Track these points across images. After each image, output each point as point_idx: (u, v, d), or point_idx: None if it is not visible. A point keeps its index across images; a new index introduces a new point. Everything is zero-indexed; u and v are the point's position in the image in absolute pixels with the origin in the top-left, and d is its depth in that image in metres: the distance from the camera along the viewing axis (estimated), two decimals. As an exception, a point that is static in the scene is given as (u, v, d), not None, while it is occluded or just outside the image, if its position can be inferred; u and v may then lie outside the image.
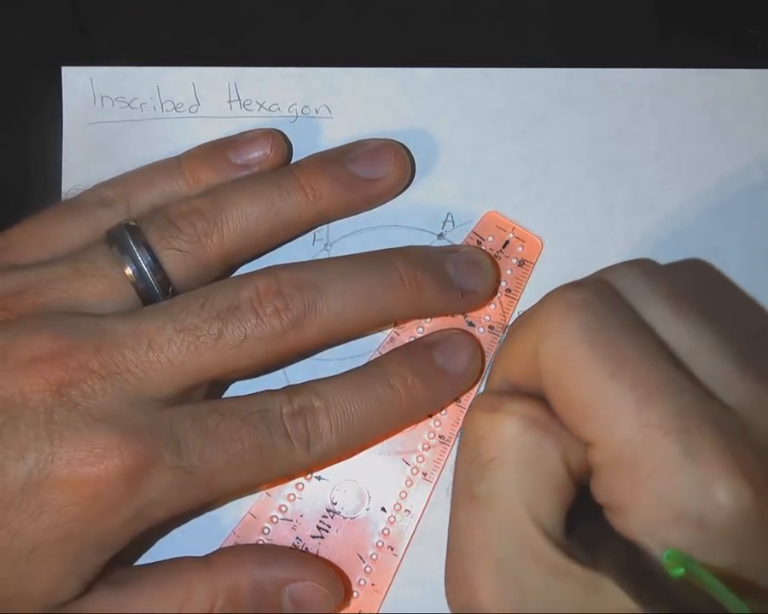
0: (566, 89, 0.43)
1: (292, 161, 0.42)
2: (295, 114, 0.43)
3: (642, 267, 0.32)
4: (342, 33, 0.44)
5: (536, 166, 0.43)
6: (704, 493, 0.27)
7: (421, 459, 0.41)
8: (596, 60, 0.43)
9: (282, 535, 0.41)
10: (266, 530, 0.41)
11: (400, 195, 0.42)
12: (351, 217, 0.42)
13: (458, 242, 0.42)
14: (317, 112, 0.43)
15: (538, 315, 0.31)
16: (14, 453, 0.33)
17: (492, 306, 0.42)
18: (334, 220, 0.41)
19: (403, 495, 0.41)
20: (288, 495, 0.41)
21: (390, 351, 0.40)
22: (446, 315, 0.41)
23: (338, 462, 0.41)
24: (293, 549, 0.40)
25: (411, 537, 0.41)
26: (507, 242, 0.42)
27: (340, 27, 0.44)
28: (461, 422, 0.41)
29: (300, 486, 0.41)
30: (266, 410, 0.36)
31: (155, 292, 0.37)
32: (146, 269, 0.36)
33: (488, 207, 0.42)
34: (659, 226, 0.42)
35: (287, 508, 0.41)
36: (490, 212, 0.42)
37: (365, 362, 0.40)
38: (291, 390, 0.37)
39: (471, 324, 0.42)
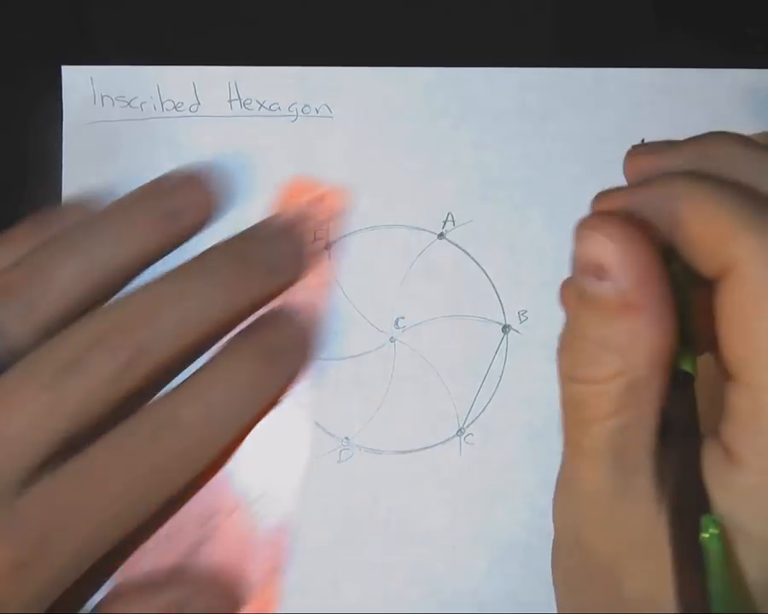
0: (566, 88, 0.43)
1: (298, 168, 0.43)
2: (296, 113, 0.43)
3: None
4: (343, 32, 0.44)
5: (536, 166, 0.43)
6: None
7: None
8: (594, 57, 0.43)
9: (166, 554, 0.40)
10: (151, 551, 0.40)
11: (401, 194, 0.42)
12: (351, 215, 0.42)
13: (459, 242, 0.42)
14: (317, 112, 0.43)
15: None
16: None
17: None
18: (161, 256, 0.41)
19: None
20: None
21: (230, 340, 0.37)
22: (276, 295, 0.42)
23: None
24: (184, 570, 0.40)
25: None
26: (315, 199, 0.42)
27: (340, 26, 0.44)
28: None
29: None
30: (127, 444, 0.34)
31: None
32: None
33: (488, 207, 0.42)
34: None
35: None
36: (292, 178, 0.42)
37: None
38: (147, 411, 0.36)
39: None
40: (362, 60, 0.43)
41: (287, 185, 0.42)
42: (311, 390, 0.42)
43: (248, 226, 0.40)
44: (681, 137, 0.41)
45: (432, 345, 0.42)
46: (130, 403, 0.36)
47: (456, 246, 0.42)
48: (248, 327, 0.39)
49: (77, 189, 0.42)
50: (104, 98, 0.42)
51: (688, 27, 0.45)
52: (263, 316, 0.40)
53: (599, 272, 0.29)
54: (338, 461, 0.41)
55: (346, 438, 0.41)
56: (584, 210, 0.41)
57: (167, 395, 0.36)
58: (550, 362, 0.41)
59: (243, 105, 0.43)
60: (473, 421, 0.41)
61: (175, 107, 0.42)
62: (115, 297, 0.36)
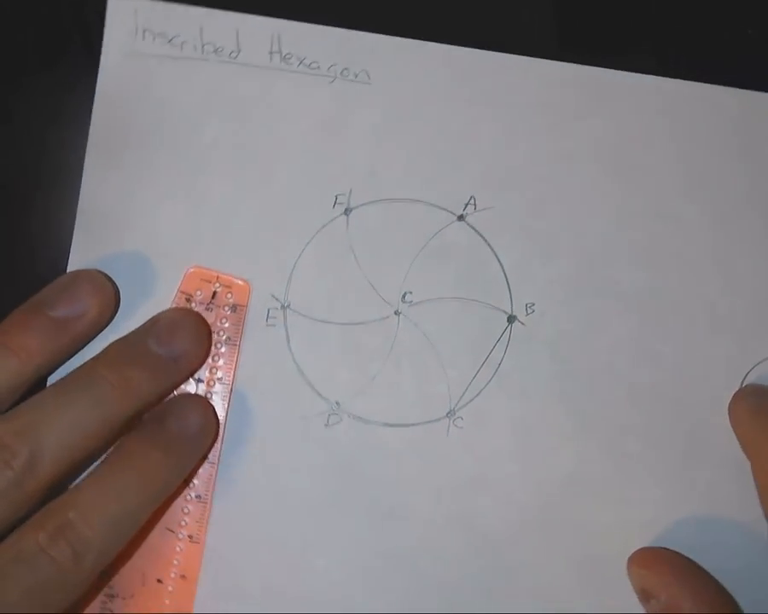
0: (603, 89, 0.42)
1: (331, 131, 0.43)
2: (334, 75, 0.43)
3: None
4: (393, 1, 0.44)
5: (561, 163, 0.42)
6: None
7: (184, 523, 0.42)
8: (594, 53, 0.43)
9: None
10: None
11: (427, 171, 0.42)
12: (374, 185, 0.42)
13: (477, 226, 0.42)
14: (355, 77, 0.43)
15: None
16: None
17: (219, 359, 0.42)
18: (56, 366, 0.42)
19: (176, 562, 0.42)
20: None
21: (129, 433, 0.40)
22: (176, 387, 0.42)
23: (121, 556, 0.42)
24: None
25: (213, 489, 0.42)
26: (215, 293, 0.42)
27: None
28: (213, 478, 0.42)
29: None
30: (20, 552, 0.36)
31: None
32: None
33: (510, 196, 0.42)
34: (672, 236, 0.42)
35: None
36: (192, 269, 0.42)
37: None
38: (42, 515, 0.37)
39: (200, 380, 0.42)
40: (407, 32, 0.43)
41: (188, 275, 0.42)
42: (308, 351, 0.42)
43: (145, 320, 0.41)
44: (709, 152, 0.41)
45: (435, 324, 0.42)
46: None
47: (474, 229, 0.42)
48: (148, 415, 0.41)
49: (105, 123, 0.42)
50: (145, 32, 0.42)
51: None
52: (163, 405, 0.41)
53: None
54: (325, 425, 0.42)
55: (337, 403, 0.42)
56: (602, 213, 0.41)
57: (62, 498, 0.37)
58: (551, 358, 0.41)
59: (283, 59, 0.43)
60: (464, 405, 0.41)
61: (215, 51, 0.42)
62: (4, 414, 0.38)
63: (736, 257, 0.42)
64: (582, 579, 0.41)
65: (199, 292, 0.42)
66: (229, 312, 0.42)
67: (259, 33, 0.43)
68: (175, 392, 0.42)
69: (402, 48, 0.43)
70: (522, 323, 0.42)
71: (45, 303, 0.40)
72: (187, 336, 0.41)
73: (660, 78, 0.43)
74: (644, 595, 0.39)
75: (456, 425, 0.41)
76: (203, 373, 0.42)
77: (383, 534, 0.41)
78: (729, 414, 0.41)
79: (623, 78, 0.43)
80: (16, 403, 0.39)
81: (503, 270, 0.42)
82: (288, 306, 0.42)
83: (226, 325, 0.42)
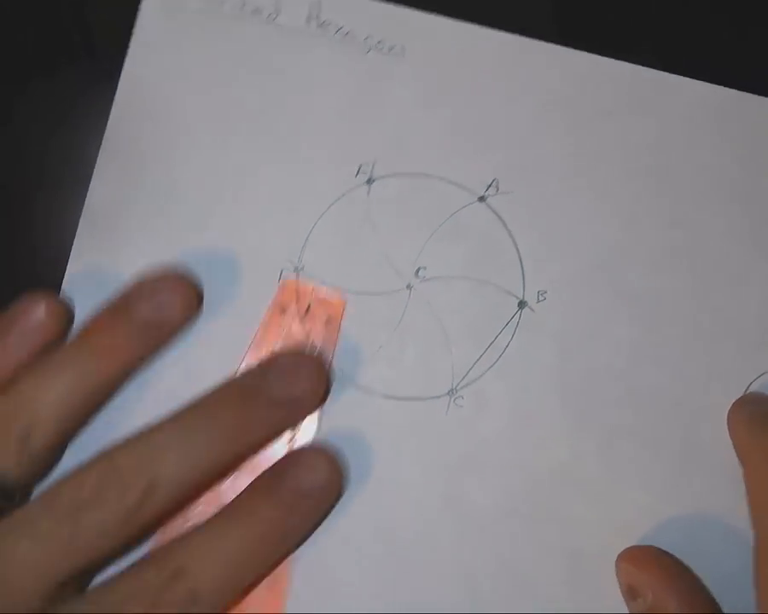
0: (639, 88, 0.43)
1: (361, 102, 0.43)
2: (369, 46, 0.43)
3: None
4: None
5: (587, 159, 0.43)
6: None
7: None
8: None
9: None
10: None
11: (453, 149, 0.42)
12: (399, 158, 0.42)
13: (498, 209, 0.42)
14: (390, 50, 0.43)
15: None
16: None
17: None
18: (143, 367, 0.41)
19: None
20: None
21: (248, 487, 0.39)
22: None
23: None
24: None
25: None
26: (309, 307, 0.42)
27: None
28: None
29: None
30: (139, 590, 0.36)
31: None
32: None
33: (534, 183, 0.42)
34: (687, 244, 0.42)
35: None
36: (285, 281, 0.42)
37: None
38: (159, 558, 0.37)
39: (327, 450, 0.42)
40: (446, 11, 0.43)
41: (282, 286, 0.43)
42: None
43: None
44: (733, 164, 0.41)
45: (446, 302, 0.42)
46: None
47: (494, 212, 0.42)
48: (270, 469, 0.40)
49: (138, 74, 0.42)
50: (186, -14, 0.43)
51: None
52: (287, 458, 0.40)
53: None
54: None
55: (341, 370, 0.42)
56: (620, 213, 0.41)
57: (180, 541, 0.37)
58: (556, 348, 0.41)
59: (320, 25, 0.43)
60: (466, 386, 0.41)
61: (254, 11, 0.43)
62: (125, 436, 0.38)
63: (749, 269, 0.42)
64: (567, 572, 0.41)
65: (292, 306, 0.42)
66: (322, 326, 0.42)
67: (300, -3, 0.43)
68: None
69: (439, 25, 0.43)
70: (532, 310, 0.42)
71: (131, 304, 0.40)
72: (307, 378, 0.40)
73: (693, 81, 0.43)
74: (630, 593, 0.39)
75: (456, 405, 0.41)
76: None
77: (371, 504, 0.41)
78: (727, 420, 0.41)
79: (655, 77, 0.43)
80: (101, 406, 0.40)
81: (519, 255, 0.42)
82: (302, 269, 0.42)
83: (318, 338, 0.42)
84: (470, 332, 0.42)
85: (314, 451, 0.40)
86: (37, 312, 0.39)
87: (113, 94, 0.43)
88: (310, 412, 0.41)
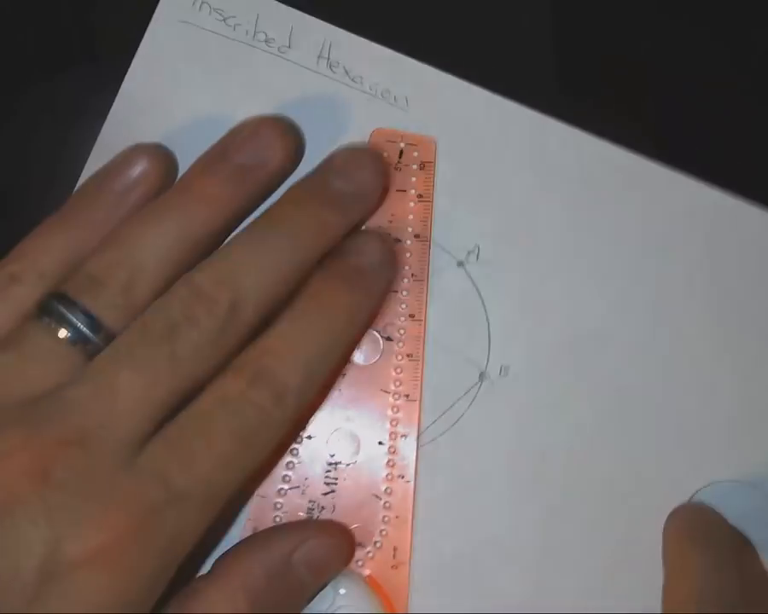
0: (639, 178, 0.43)
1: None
2: (374, 93, 0.43)
3: None
4: (445, 37, 0.44)
5: (578, 239, 0.43)
6: None
7: (398, 383, 0.42)
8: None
9: (296, 504, 0.42)
10: (278, 505, 0.41)
11: (441, 209, 0.43)
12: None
13: (475, 276, 0.43)
14: (395, 100, 0.43)
15: None
16: (24, 551, 0.33)
17: (411, 216, 0.43)
18: (247, 216, 0.41)
19: (394, 422, 0.42)
20: (288, 464, 0.42)
21: (314, 274, 0.39)
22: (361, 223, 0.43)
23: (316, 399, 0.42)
24: (286, 523, 0.41)
25: (417, 459, 0.42)
26: (401, 151, 0.43)
27: (446, 30, 0.44)
28: (421, 336, 0.42)
29: (295, 451, 0.42)
30: (225, 399, 0.36)
31: (102, 350, 0.37)
32: (88, 333, 0.36)
33: (516, 256, 0.43)
34: (667, 339, 0.43)
35: (290, 477, 0.42)
36: (376, 129, 0.43)
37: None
38: (237, 364, 0.37)
39: (398, 240, 0.43)
40: (456, 70, 0.43)
41: (372, 136, 0.43)
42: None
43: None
44: (727, 271, 0.41)
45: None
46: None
47: (471, 279, 0.42)
48: (335, 254, 0.40)
49: (144, 78, 0.43)
50: (203, 4, 0.43)
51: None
52: (348, 243, 0.41)
53: None
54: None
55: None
56: (602, 297, 0.41)
57: (256, 345, 0.37)
58: (512, 424, 0.41)
59: (330, 65, 0.43)
60: (419, 447, 0.42)
61: (266, 41, 0.43)
62: (197, 265, 0.38)
63: (717, 380, 0.42)
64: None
65: (385, 154, 0.43)
66: (417, 169, 0.43)
67: (313, 35, 0.43)
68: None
69: (446, 83, 0.43)
70: (493, 383, 0.42)
71: (229, 150, 0.40)
72: (367, 168, 0.41)
73: (689, 179, 0.43)
74: None
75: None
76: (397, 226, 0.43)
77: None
78: (664, 525, 0.41)
79: (658, 172, 0.43)
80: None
81: (488, 327, 0.42)
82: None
83: (415, 181, 0.43)
84: (429, 394, 0.42)
85: (364, 232, 0.42)
86: (141, 163, 0.40)
87: (115, 97, 0.43)
88: (373, 207, 0.42)
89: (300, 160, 0.42)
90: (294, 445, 0.42)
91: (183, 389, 0.36)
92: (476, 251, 0.43)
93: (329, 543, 0.39)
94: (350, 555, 0.41)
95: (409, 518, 0.41)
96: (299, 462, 0.42)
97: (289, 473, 0.42)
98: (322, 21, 0.43)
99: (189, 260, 0.39)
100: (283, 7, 0.43)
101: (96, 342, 0.36)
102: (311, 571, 0.38)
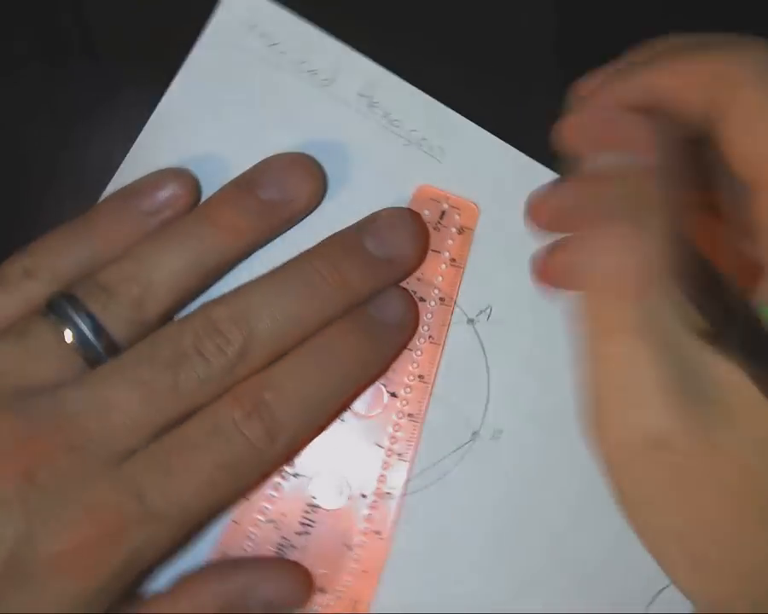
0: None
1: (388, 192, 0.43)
2: (411, 141, 0.43)
3: None
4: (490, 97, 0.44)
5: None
6: None
7: (393, 440, 0.42)
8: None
9: (268, 537, 0.42)
10: (251, 535, 0.41)
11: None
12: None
13: (483, 335, 0.43)
14: (430, 150, 0.43)
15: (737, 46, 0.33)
16: None
17: (440, 278, 0.43)
18: (259, 248, 0.42)
19: (381, 478, 0.42)
20: (268, 497, 0.42)
21: (336, 322, 0.39)
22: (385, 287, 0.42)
23: (309, 441, 0.42)
24: (250, 557, 0.42)
25: (396, 518, 0.42)
26: (443, 212, 0.43)
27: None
28: (426, 399, 0.42)
29: (279, 486, 0.42)
30: (217, 426, 0.37)
31: (102, 358, 0.37)
32: (91, 337, 0.37)
33: (526, 320, 0.43)
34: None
35: (268, 510, 0.42)
36: (422, 186, 0.43)
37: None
38: (237, 393, 0.37)
39: (422, 299, 0.43)
40: (496, 129, 0.43)
41: (417, 192, 0.43)
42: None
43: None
44: None
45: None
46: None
47: (479, 338, 0.43)
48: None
49: (184, 96, 0.43)
50: (254, 27, 0.43)
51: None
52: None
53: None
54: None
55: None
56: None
57: (260, 378, 0.38)
58: (497, 489, 0.41)
59: (369, 105, 0.43)
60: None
61: (309, 72, 0.43)
62: (218, 297, 0.39)
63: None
64: None
65: (427, 212, 0.43)
66: (455, 233, 0.43)
67: (357, 72, 0.43)
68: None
69: (481, 139, 0.43)
70: (484, 444, 0.42)
71: (256, 183, 0.40)
72: (405, 238, 0.41)
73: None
74: None
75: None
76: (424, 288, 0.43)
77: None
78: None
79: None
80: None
81: (489, 388, 0.42)
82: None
83: (451, 245, 0.43)
84: (420, 445, 0.42)
85: (391, 288, 0.41)
86: (171, 187, 0.40)
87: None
88: (403, 275, 0.42)
89: (321, 202, 0.43)
90: (279, 480, 0.42)
91: (179, 416, 0.37)
92: (488, 311, 0.43)
93: (290, 588, 0.40)
94: (306, 599, 0.41)
95: (375, 576, 0.41)
96: (280, 497, 0.42)
97: (269, 506, 0.42)
98: (368, 60, 0.43)
99: (200, 286, 0.40)
100: (332, 40, 0.43)
101: (97, 348, 0.37)
102: (264, 609, 0.39)
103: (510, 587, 0.42)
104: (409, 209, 0.42)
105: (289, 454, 0.40)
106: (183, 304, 0.40)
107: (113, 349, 0.38)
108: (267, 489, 0.42)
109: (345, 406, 0.42)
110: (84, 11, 0.45)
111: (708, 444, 0.30)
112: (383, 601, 0.42)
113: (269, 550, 0.42)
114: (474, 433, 0.42)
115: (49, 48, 0.45)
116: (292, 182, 0.41)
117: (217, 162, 0.43)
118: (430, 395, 0.42)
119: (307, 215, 0.42)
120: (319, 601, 0.41)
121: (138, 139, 0.43)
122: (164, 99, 0.43)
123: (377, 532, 0.42)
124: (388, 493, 0.42)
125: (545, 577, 0.42)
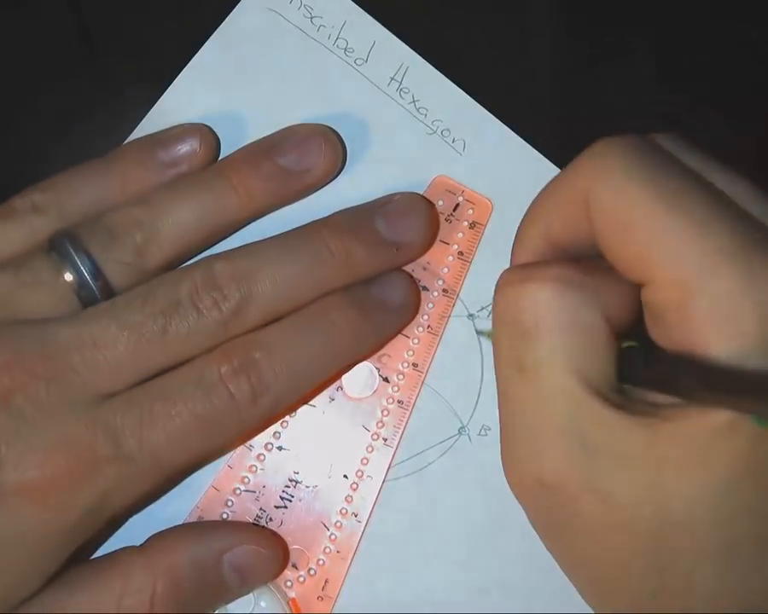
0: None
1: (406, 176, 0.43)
2: (435, 129, 0.43)
3: (676, 133, 0.33)
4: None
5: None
6: None
7: (381, 424, 0.42)
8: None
9: (246, 507, 0.42)
10: (230, 503, 0.42)
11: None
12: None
13: (481, 329, 0.43)
14: (453, 141, 0.43)
15: (590, 158, 0.33)
16: None
17: (446, 270, 0.43)
18: (269, 213, 0.42)
19: (364, 461, 0.42)
20: (250, 467, 0.42)
21: (332, 293, 0.39)
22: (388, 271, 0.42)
23: (288, 410, 0.42)
24: (228, 521, 0.41)
25: (374, 503, 0.42)
26: (457, 205, 0.43)
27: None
28: (418, 387, 0.42)
29: (262, 457, 0.42)
30: (201, 378, 0.36)
31: (97, 300, 0.37)
32: (88, 278, 0.37)
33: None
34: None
35: (249, 480, 0.42)
36: (439, 176, 0.43)
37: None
38: (229, 348, 0.37)
39: (425, 288, 0.43)
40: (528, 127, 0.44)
41: (434, 182, 0.43)
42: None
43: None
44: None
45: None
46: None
47: (477, 333, 0.43)
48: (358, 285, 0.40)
49: (217, 55, 0.44)
50: (295, -3, 0.44)
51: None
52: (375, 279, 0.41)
53: None
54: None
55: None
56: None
57: (254, 336, 0.38)
58: (478, 485, 0.41)
59: (399, 90, 0.43)
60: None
61: (345, 50, 0.44)
62: (223, 252, 0.39)
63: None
64: None
65: (441, 202, 0.43)
66: (467, 227, 0.43)
67: (391, 55, 0.44)
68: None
69: (504, 138, 0.43)
70: (470, 440, 0.42)
71: (277, 149, 0.40)
72: (416, 226, 0.41)
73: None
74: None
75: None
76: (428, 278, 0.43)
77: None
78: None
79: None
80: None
81: (481, 385, 0.42)
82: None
83: (461, 238, 0.43)
84: (406, 433, 0.42)
85: (396, 272, 0.41)
86: (191, 142, 0.41)
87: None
88: (408, 261, 0.42)
89: (337, 176, 0.43)
90: (263, 451, 0.42)
91: (164, 363, 0.37)
92: (489, 308, 0.43)
93: (263, 554, 0.39)
94: (279, 572, 0.41)
95: (349, 557, 0.41)
96: (261, 469, 0.42)
97: (249, 476, 0.42)
98: (404, 44, 0.44)
99: (203, 244, 0.40)
100: (371, 20, 0.44)
101: (93, 289, 0.37)
102: (236, 575, 0.39)
103: (481, 582, 0.42)
104: (423, 196, 0.42)
105: (267, 419, 0.39)
106: (184, 259, 0.40)
107: (109, 292, 0.38)
108: (250, 459, 0.42)
109: (331, 380, 0.42)
110: (84, 10, 0.45)
111: (598, 492, 0.31)
112: (353, 584, 0.42)
113: (246, 520, 0.42)
114: (462, 428, 0.42)
115: (50, 51, 0.46)
116: (311, 153, 0.41)
117: (241, 125, 0.43)
118: (422, 384, 0.42)
119: (320, 188, 0.42)
120: (291, 576, 0.41)
121: (164, 94, 0.44)
122: (197, 56, 0.44)
123: (355, 514, 0.42)
124: (370, 476, 0.42)
125: (516, 575, 0.42)
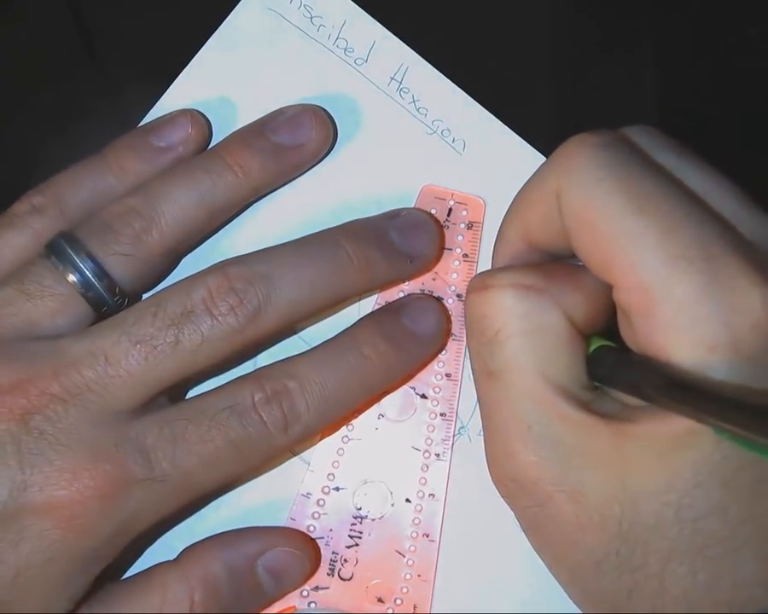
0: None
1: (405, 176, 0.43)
2: (435, 130, 0.43)
3: (650, 127, 0.34)
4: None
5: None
6: (735, 316, 0.29)
7: (429, 441, 0.42)
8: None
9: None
10: None
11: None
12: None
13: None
14: (452, 141, 0.43)
15: (561, 156, 0.33)
16: None
17: (455, 275, 0.43)
18: (268, 191, 0.42)
19: (422, 481, 0.42)
20: (313, 514, 0.41)
21: (360, 320, 0.40)
22: (400, 283, 0.43)
23: (319, 438, 0.42)
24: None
25: (443, 519, 0.41)
26: (450, 209, 0.43)
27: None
28: (456, 396, 0.42)
29: (321, 502, 0.41)
30: (236, 404, 0.36)
31: (104, 298, 0.37)
32: (91, 278, 0.37)
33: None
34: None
35: (315, 528, 0.41)
36: (426, 186, 0.43)
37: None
38: (261, 375, 0.37)
39: (440, 298, 0.43)
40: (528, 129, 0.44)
41: (422, 193, 0.43)
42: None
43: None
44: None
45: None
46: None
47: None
48: (384, 308, 0.40)
49: (217, 54, 0.43)
50: (295, -3, 0.43)
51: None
52: (402, 300, 0.41)
53: None
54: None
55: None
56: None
57: (287, 365, 0.38)
58: (474, 483, 0.41)
59: (399, 90, 0.43)
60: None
61: (345, 50, 0.43)
62: (238, 256, 0.38)
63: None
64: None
65: (434, 210, 0.43)
66: (464, 229, 0.43)
67: (392, 56, 0.43)
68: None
69: (505, 138, 0.43)
70: (470, 439, 0.42)
71: (268, 127, 0.40)
72: (427, 239, 0.41)
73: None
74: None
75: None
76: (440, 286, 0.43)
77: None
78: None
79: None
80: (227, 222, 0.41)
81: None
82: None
83: (462, 241, 0.43)
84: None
85: (426, 299, 0.41)
86: (185, 127, 0.40)
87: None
88: (418, 274, 0.42)
89: (329, 152, 0.43)
90: (321, 496, 0.41)
91: (180, 374, 0.36)
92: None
93: (295, 555, 0.39)
94: (312, 572, 0.40)
95: (431, 579, 0.41)
96: (324, 513, 0.41)
97: (314, 524, 0.41)
98: (404, 44, 0.43)
99: (206, 226, 0.39)
100: (371, 20, 0.43)
101: (99, 289, 0.36)
102: (271, 577, 0.38)
103: (481, 581, 0.42)
104: (427, 211, 0.42)
105: (298, 444, 0.40)
106: (189, 243, 0.40)
107: (116, 288, 0.37)
108: (311, 507, 0.41)
109: (362, 409, 0.42)
110: (84, 11, 0.44)
111: (571, 492, 0.32)
112: (441, 603, 0.41)
113: (321, 568, 0.41)
114: (462, 428, 0.42)
115: (51, 52, 0.44)
116: (303, 128, 0.41)
117: (241, 124, 0.42)
118: (459, 392, 0.42)
119: (316, 163, 0.42)
120: (379, 610, 0.41)
121: (164, 95, 0.43)
122: (197, 56, 0.42)
123: (426, 535, 0.41)
124: (431, 495, 0.41)
125: (516, 575, 0.42)
